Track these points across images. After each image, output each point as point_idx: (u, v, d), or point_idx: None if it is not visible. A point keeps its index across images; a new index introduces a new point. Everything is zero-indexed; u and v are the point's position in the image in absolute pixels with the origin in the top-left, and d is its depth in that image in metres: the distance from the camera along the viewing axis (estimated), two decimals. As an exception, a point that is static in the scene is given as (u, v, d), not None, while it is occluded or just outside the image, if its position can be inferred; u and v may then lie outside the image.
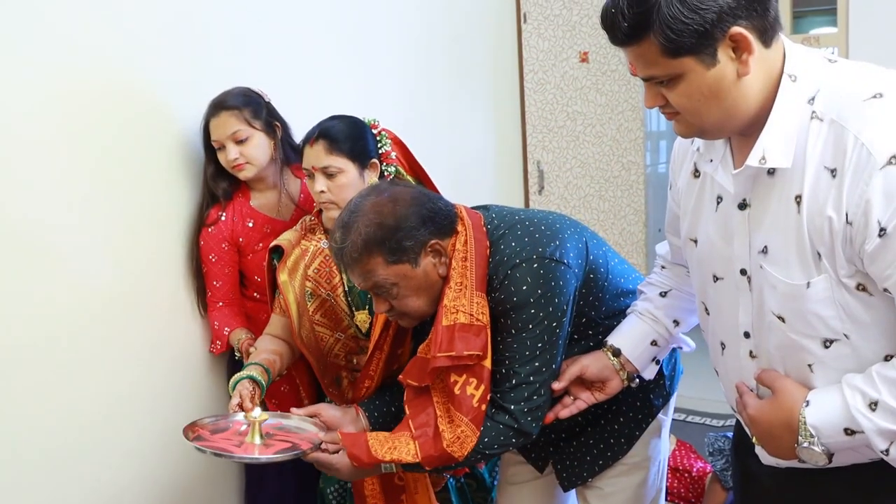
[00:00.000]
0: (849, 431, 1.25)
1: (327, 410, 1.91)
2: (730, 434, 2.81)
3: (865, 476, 1.36)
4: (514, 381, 1.71)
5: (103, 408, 2.16)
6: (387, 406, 1.95)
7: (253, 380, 1.93)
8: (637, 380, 1.83)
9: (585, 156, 4.33)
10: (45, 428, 2.00)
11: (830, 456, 1.28)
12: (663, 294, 1.79)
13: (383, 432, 1.79)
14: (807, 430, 1.28)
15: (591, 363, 1.78)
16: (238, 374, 1.96)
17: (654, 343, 1.79)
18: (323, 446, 1.78)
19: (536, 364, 1.71)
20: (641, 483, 1.95)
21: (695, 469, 3.05)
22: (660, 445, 1.98)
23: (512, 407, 1.71)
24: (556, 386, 1.75)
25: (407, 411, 1.79)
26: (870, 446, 1.25)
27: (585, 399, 1.80)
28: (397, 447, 1.74)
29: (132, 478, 2.26)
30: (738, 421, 1.62)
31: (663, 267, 1.82)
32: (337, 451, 1.78)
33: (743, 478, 1.66)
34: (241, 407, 1.87)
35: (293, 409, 1.91)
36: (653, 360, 1.82)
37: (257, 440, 1.75)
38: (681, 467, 3.06)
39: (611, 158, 4.34)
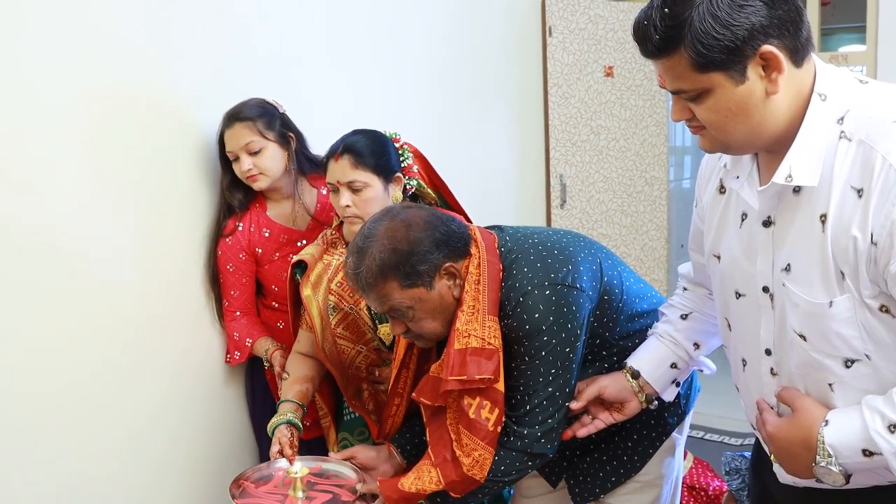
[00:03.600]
0: (867, 453, 1.24)
1: (362, 452, 1.96)
2: (746, 454, 2.80)
3: (884, 499, 1.35)
4: (528, 407, 1.72)
5: (128, 417, 2.19)
6: (418, 437, 1.96)
7: (290, 424, 2.00)
8: (656, 402, 1.82)
9: (608, 170, 4.32)
10: (66, 436, 2.03)
11: (848, 477, 1.27)
12: (684, 317, 1.78)
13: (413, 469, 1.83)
14: (825, 449, 1.27)
15: (609, 384, 1.78)
16: (276, 418, 2.02)
17: (673, 366, 1.78)
18: (361, 493, 1.84)
19: (550, 389, 1.71)
20: (653, 501, 1.94)
21: (711, 488, 3.03)
22: (673, 464, 1.97)
23: (526, 431, 1.72)
24: (574, 406, 1.75)
25: (427, 435, 1.81)
26: (889, 468, 1.24)
27: (604, 419, 1.81)
28: (421, 477, 1.76)
29: (154, 488, 2.28)
30: (757, 439, 1.61)
31: (685, 288, 1.82)
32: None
33: (760, 496, 1.65)
34: (281, 454, 1.94)
35: (330, 454, 2.00)
36: (672, 382, 1.81)
37: (300, 494, 1.84)
38: (697, 485, 3.03)
39: (634, 173, 4.33)
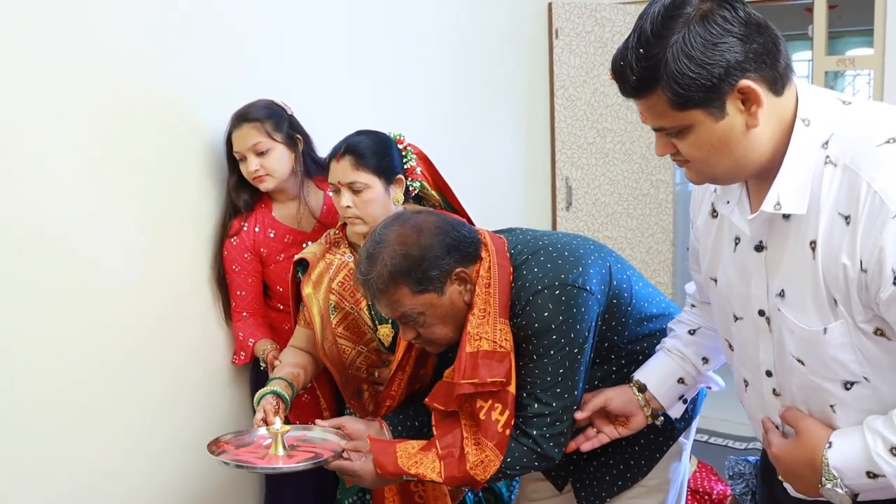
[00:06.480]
0: (871, 475, 1.24)
1: (351, 423, 1.92)
2: (751, 458, 2.78)
3: None
4: (536, 406, 1.72)
5: (129, 418, 2.20)
6: (410, 420, 1.97)
7: (277, 395, 1.95)
8: (661, 417, 1.82)
9: (614, 173, 4.31)
10: (68, 436, 2.04)
11: (854, 497, 1.28)
12: (692, 332, 1.78)
13: (412, 443, 1.80)
14: (830, 472, 1.28)
15: (615, 396, 1.78)
16: (262, 389, 1.98)
17: (681, 381, 1.78)
18: (346, 454, 1.79)
19: (558, 390, 1.71)
20: (660, 506, 1.93)
21: (715, 492, 3.02)
22: (680, 468, 1.97)
23: (535, 433, 1.73)
24: (579, 416, 1.76)
25: (435, 432, 1.80)
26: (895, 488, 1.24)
27: (608, 433, 1.80)
28: (423, 463, 1.75)
29: (157, 488, 2.29)
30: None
31: (693, 306, 1.82)
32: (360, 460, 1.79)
33: (771, 504, 1.64)
34: (265, 422, 1.88)
35: (317, 421, 1.93)
36: (680, 398, 1.81)
37: (280, 451, 1.78)
38: (701, 489, 3.03)
39: (640, 176, 4.32)
